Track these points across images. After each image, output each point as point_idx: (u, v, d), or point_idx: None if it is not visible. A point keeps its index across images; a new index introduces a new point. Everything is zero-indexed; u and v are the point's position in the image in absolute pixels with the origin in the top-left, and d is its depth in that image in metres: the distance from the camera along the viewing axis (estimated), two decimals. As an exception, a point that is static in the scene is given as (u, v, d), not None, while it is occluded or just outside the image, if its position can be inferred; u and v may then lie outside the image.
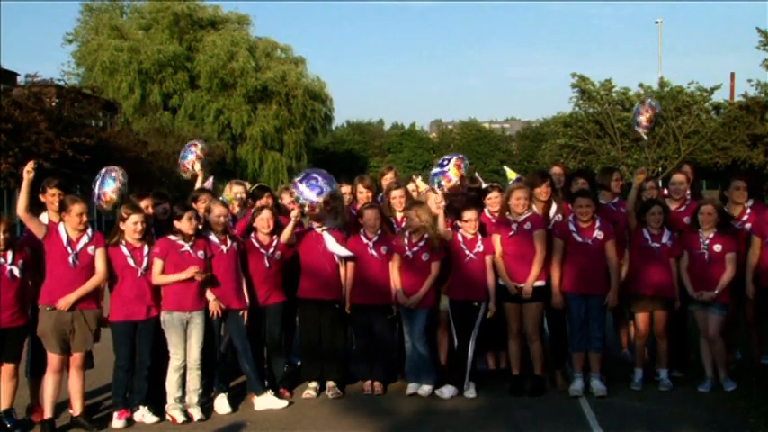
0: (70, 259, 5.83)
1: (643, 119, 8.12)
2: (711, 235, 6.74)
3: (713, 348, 6.75)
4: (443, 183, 6.80)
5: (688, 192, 7.45)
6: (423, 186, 7.78)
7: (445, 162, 6.99)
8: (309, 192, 6.44)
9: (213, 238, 6.35)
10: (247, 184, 7.68)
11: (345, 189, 7.61)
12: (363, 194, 7.33)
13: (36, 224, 5.88)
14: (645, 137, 8.28)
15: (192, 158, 7.69)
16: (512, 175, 7.77)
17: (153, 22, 41.75)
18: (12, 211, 6.04)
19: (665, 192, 7.69)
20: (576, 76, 33.99)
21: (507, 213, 6.87)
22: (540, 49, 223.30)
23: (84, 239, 5.90)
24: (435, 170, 7.06)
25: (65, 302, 5.77)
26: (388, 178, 7.86)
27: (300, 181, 6.55)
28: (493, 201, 7.05)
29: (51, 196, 5.99)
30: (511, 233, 6.66)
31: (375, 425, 5.93)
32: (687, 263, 6.82)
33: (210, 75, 41.22)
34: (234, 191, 7.35)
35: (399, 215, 7.10)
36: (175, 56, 40.79)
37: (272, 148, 43.17)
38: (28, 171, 5.76)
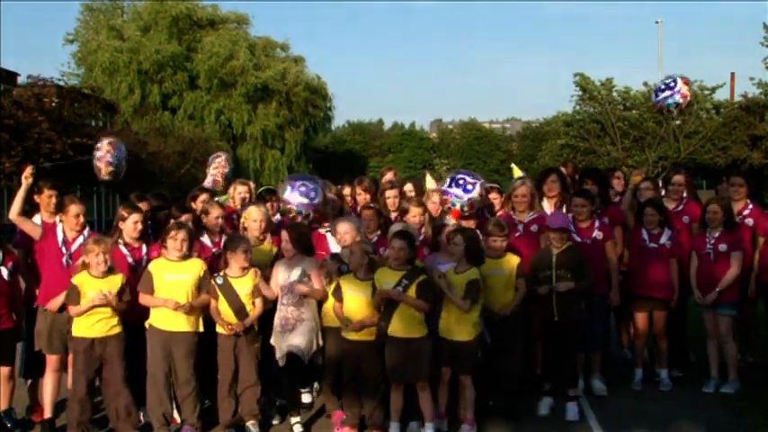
0: (64, 259, 5.84)
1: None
2: (717, 234, 6.74)
3: (725, 349, 6.74)
4: (466, 208, 6.61)
5: (684, 192, 7.46)
6: (431, 184, 7.77)
7: (468, 186, 6.61)
8: (299, 197, 6.41)
9: (206, 240, 6.33)
10: (251, 184, 7.66)
11: (346, 191, 7.60)
12: (362, 196, 7.31)
13: (30, 226, 5.90)
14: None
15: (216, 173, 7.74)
16: (517, 172, 7.74)
17: (152, 22, 41.74)
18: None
19: (663, 192, 7.69)
20: (578, 75, 34.08)
21: (512, 212, 6.87)
22: (540, 49, 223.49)
23: (80, 240, 5.91)
24: (456, 192, 6.61)
25: (54, 304, 5.77)
26: (387, 178, 7.85)
27: (290, 192, 6.49)
28: (491, 202, 6.99)
29: (48, 198, 5.98)
30: (517, 234, 6.62)
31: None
32: (696, 264, 6.84)
33: (210, 74, 41.19)
34: (238, 190, 7.32)
35: (394, 215, 7.06)
36: (174, 56, 40.78)
37: (272, 147, 43.16)
38: (26, 177, 5.78)
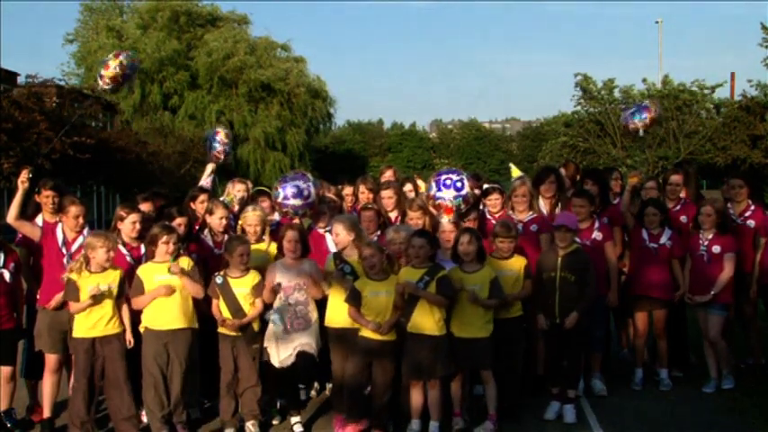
0: (65, 260, 5.83)
1: (647, 118, 7.87)
2: (711, 236, 6.74)
3: (715, 349, 6.74)
4: (462, 206, 6.57)
5: (683, 192, 7.45)
6: (424, 187, 7.74)
7: (458, 184, 6.52)
8: (293, 199, 6.43)
9: (208, 239, 6.35)
10: (249, 184, 7.65)
11: (348, 190, 7.59)
12: (365, 195, 7.30)
13: (29, 228, 5.90)
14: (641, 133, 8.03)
15: (219, 148, 7.70)
16: (516, 172, 7.73)
17: (151, 21, 41.66)
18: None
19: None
20: (579, 75, 34.11)
21: (511, 212, 6.85)
22: (540, 49, 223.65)
23: (80, 240, 5.90)
24: (451, 193, 6.49)
25: (54, 302, 5.76)
26: (386, 176, 7.84)
27: (283, 194, 6.51)
28: (494, 202, 6.95)
29: (45, 197, 5.97)
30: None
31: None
32: (690, 264, 6.82)
33: (211, 72, 41.04)
34: (236, 189, 7.31)
35: (392, 215, 7.04)
36: (175, 53, 40.63)
37: (274, 148, 43.05)
38: (23, 181, 5.78)
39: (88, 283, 5.52)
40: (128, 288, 5.71)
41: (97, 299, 5.50)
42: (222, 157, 7.72)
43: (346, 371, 5.77)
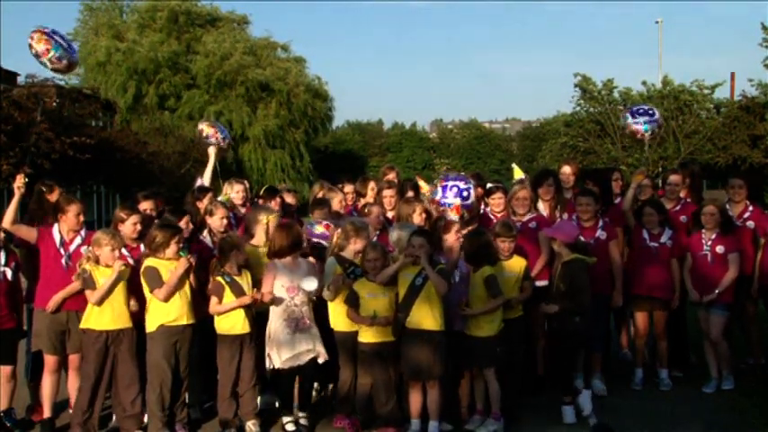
0: (63, 261, 5.83)
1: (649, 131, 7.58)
2: (714, 236, 6.73)
3: (717, 349, 6.74)
4: (466, 215, 6.56)
5: (683, 192, 7.46)
6: (426, 188, 7.74)
7: (465, 194, 6.53)
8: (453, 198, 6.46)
9: (207, 240, 6.35)
10: (246, 183, 7.64)
11: (348, 189, 7.58)
12: (361, 196, 7.33)
13: (25, 231, 5.89)
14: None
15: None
16: (518, 173, 7.69)
17: (150, 20, 41.55)
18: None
19: (662, 191, 7.68)
20: (578, 76, 34.10)
21: (512, 214, 6.85)
22: (540, 49, 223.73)
23: (78, 240, 5.90)
24: (456, 201, 6.49)
25: (53, 303, 5.75)
26: (388, 178, 7.84)
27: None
28: (497, 201, 6.95)
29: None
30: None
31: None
32: (690, 264, 6.82)
33: (209, 73, 40.91)
34: (234, 189, 7.30)
35: (390, 214, 7.03)
36: (174, 54, 40.50)
37: (273, 147, 42.97)
38: (18, 187, 5.78)
39: (102, 276, 5.57)
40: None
41: (121, 276, 5.58)
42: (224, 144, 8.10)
43: (345, 375, 5.81)
